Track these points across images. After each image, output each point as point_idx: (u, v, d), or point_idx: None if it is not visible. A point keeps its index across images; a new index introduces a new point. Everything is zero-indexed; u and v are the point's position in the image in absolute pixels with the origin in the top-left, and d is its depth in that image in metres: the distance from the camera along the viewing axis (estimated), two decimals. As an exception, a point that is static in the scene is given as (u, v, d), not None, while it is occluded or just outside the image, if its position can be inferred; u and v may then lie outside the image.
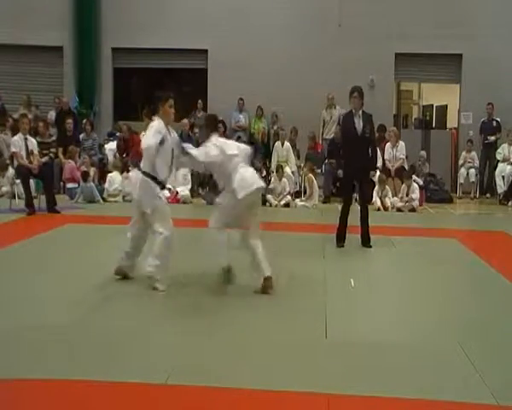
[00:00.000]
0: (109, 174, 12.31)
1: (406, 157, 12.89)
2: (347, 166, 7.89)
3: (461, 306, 5.56)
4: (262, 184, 5.78)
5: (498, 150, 13.56)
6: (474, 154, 13.89)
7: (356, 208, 8.06)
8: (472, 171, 13.78)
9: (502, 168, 13.27)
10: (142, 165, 5.64)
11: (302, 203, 11.95)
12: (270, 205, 11.88)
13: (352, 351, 4.22)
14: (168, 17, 14.64)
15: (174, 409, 3.43)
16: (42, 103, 14.87)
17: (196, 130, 13.42)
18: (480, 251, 7.65)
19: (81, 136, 13.45)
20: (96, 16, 14.80)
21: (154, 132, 5.53)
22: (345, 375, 3.82)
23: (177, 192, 12.05)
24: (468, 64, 14.46)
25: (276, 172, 12.23)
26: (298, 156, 13.52)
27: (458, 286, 6.37)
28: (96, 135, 13.63)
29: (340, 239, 7.77)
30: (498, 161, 13.45)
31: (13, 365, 3.86)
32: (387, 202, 11.61)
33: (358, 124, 7.60)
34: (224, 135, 14.01)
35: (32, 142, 10.54)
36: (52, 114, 14.43)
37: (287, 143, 13.13)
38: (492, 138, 13.84)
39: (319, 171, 13.18)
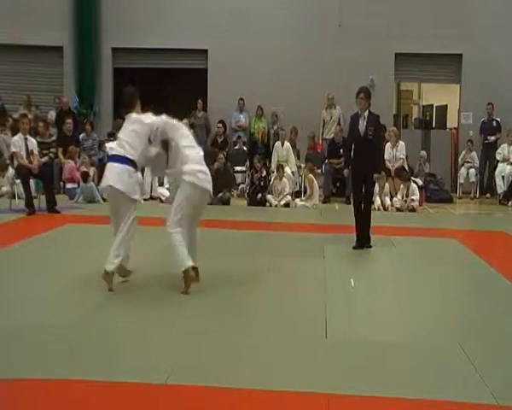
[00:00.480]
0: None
1: (406, 157, 12.90)
2: (353, 166, 7.87)
3: (461, 306, 5.56)
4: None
5: (498, 150, 13.57)
6: (474, 154, 13.89)
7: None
8: (472, 171, 13.78)
9: (502, 168, 13.27)
10: None
11: (302, 203, 11.95)
12: (270, 205, 11.89)
13: (352, 351, 4.22)
14: (168, 17, 14.64)
15: (174, 409, 3.43)
16: (42, 103, 14.87)
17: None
18: (480, 251, 7.65)
19: (81, 136, 13.45)
20: (96, 16, 14.79)
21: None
22: (345, 375, 3.82)
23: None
24: (468, 64, 14.45)
25: (277, 171, 12.24)
26: (298, 156, 13.52)
27: (458, 286, 6.37)
28: (96, 135, 13.63)
29: (357, 240, 7.72)
30: (498, 161, 13.47)
31: (13, 365, 3.86)
32: (387, 200, 11.63)
33: (362, 125, 7.54)
34: (224, 135, 14.12)
35: (32, 142, 10.54)
36: (52, 114, 14.43)
37: (287, 143, 13.13)
38: (492, 138, 13.84)
39: (319, 171, 13.20)
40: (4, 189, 12.11)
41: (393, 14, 14.33)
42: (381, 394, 3.54)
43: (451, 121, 15.85)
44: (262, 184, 12.12)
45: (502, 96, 13.82)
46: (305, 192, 12.49)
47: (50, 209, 10.15)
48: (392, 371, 3.88)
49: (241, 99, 14.42)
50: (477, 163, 13.86)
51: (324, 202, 12.50)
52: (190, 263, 5.46)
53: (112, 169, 5.53)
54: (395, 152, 12.62)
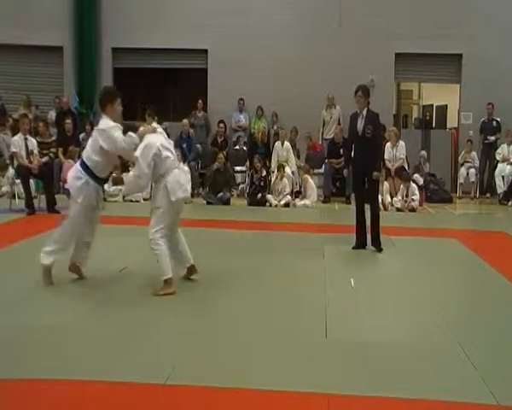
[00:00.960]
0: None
1: (406, 157, 12.90)
2: (353, 165, 7.84)
3: (461, 306, 5.56)
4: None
5: (498, 151, 13.58)
6: (474, 154, 13.90)
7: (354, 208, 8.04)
8: (472, 171, 13.78)
9: (501, 168, 13.29)
10: None
11: (302, 202, 11.95)
12: (270, 205, 11.89)
13: (352, 351, 4.22)
14: (168, 17, 14.64)
15: (174, 409, 3.43)
16: (42, 103, 14.88)
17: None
18: (479, 251, 7.65)
19: (81, 136, 13.45)
20: (96, 16, 14.79)
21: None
22: (345, 375, 3.82)
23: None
24: (468, 64, 14.45)
25: (278, 171, 12.24)
26: (298, 156, 13.52)
27: (458, 286, 6.38)
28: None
29: (357, 239, 7.66)
30: (498, 161, 13.47)
31: (13, 365, 3.86)
32: (388, 197, 11.63)
33: (360, 124, 7.49)
34: (224, 135, 14.12)
35: (32, 142, 10.54)
36: (52, 114, 14.44)
37: (287, 143, 13.13)
38: (492, 138, 13.85)
39: (319, 171, 13.20)
40: (4, 189, 12.12)
41: (393, 14, 14.33)
42: (380, 394, 3.54)
43: (451, 121, 15.85)
44: (262, 184, 12.12)
45: (502, 96, 13.83)
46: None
47: (50, 209, 10.15)
48: (392, 371, 3.88)
49: (241, 99, 14.42)
50: (477, 163, 13.86)
51: (324, 202, 12.50)
52: (171, 274, 5.49)
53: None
54: (395, 152, 12.63)
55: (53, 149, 12.05)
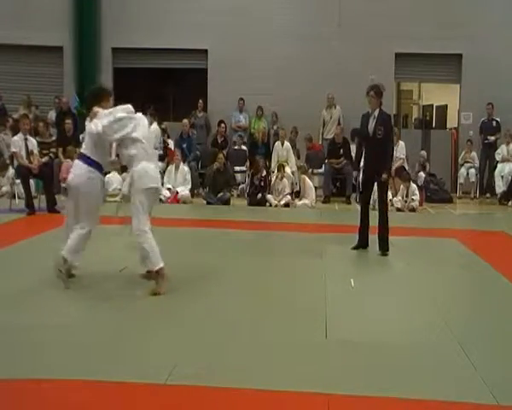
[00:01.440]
0: (107, 175, 12.29)
1: (406, 157, 12.90)
2: (364, 166, 7.71)
3: (461, 306, 5.56)
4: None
5: (497, 151, 13.59)
6: (474, 154, 13.90)
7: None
8: (472, 171, 13.78)
9: (501, 168, 13.29)
10: None
11: (302, 202, 11.95)
12: (270, 205, 11.89)
13: (352, 351, 4.22)
14: (168, 17, 14.64)
15: (174, 409, 3.43)
16: (42, 103, 14.87)
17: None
18: (480, 251, 7.65)
19: (81, 136, 13.41)
20: (96, 16, 14.78)
21: None
22: (345, 375, 3.82)
23: (177, 192, 12.06)
24: (468, 64, 14.45)
25: (278, 171, 12.24)
26: (298, 156, 13.53)
27: (458, 286, 6.38)
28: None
29: (359, 240, 7.61)
30: (498, 161, 13.47)
31: (13, 365, 3.86)
32: (389, 194, 11.64)
33: (371, 124, 7.35)
34: (224, 135, 14.13)
35: (32, 142, 10.55)
36: (52, 114, 14.44)
37: (287, 143, 13.14)
38: (492, 138, 13.85)
39: (320, 171, 13.21)
40: (4, 189, 12.12)
41: (393, 14, 14.33)
42: (380, 394, 3.54)
43: (451, 121, 15.86)
44: (262, 184, 12.12)
45: (502, 96, 13.82)
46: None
47: (50, 209, 10.15)
48: (391, 371, 3.88)
49: (241, 99, 14.42)
50: (477, 163, 13.86)
51: (324, 202, 12.50)
52: (162, 263, 5.44)
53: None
54: (395, 152, 12.60)
55: (53, 149, 12.07)
